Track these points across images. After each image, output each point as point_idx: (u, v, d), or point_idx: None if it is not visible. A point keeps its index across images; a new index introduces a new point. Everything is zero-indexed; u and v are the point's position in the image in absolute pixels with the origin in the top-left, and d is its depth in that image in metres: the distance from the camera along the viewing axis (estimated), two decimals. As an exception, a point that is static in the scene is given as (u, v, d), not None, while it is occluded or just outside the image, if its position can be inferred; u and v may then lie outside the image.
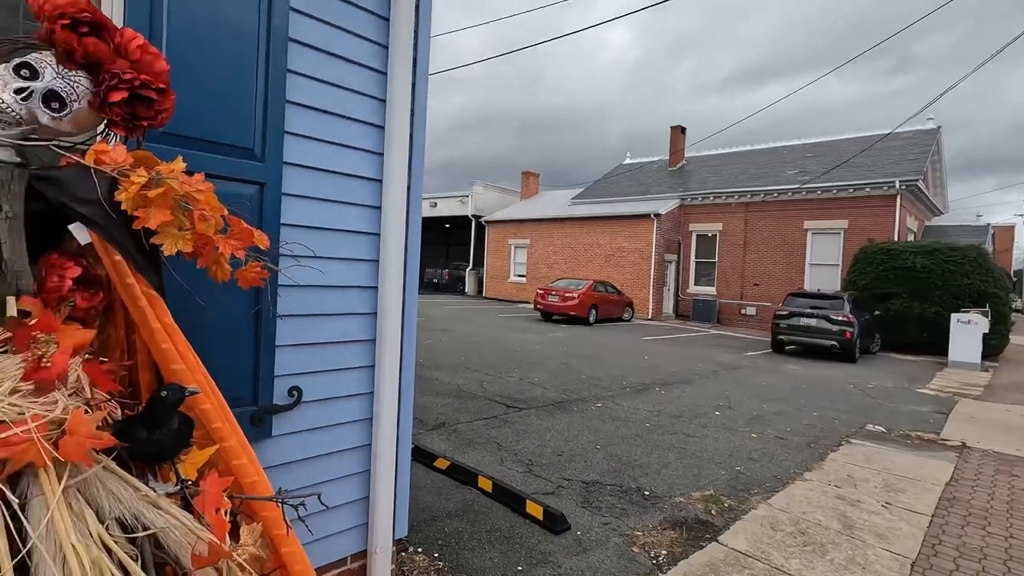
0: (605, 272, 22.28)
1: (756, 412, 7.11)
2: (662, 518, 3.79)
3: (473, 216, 28.89)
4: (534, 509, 3.68)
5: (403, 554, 3.04)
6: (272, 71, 1.97)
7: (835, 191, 18.21)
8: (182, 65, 1.69)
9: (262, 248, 1.47)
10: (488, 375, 8.38)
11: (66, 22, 1.17)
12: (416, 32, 2.41)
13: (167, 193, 1.27)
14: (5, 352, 1.06)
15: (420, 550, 3.15)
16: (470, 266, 30.14)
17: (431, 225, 32.62)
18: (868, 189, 17.57)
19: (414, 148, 2.46)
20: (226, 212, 1.38)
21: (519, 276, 26.59)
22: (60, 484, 1.03)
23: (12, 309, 1.11)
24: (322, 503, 1.53)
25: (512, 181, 32.51)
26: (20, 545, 0.97)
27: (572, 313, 17.47)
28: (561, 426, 5.90)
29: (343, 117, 2.23)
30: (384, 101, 2.35)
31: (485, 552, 3.19)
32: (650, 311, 21.15)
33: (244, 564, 1.25)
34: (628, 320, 19.98)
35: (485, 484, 4.06)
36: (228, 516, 1.28)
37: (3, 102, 1.15)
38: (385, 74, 2.35)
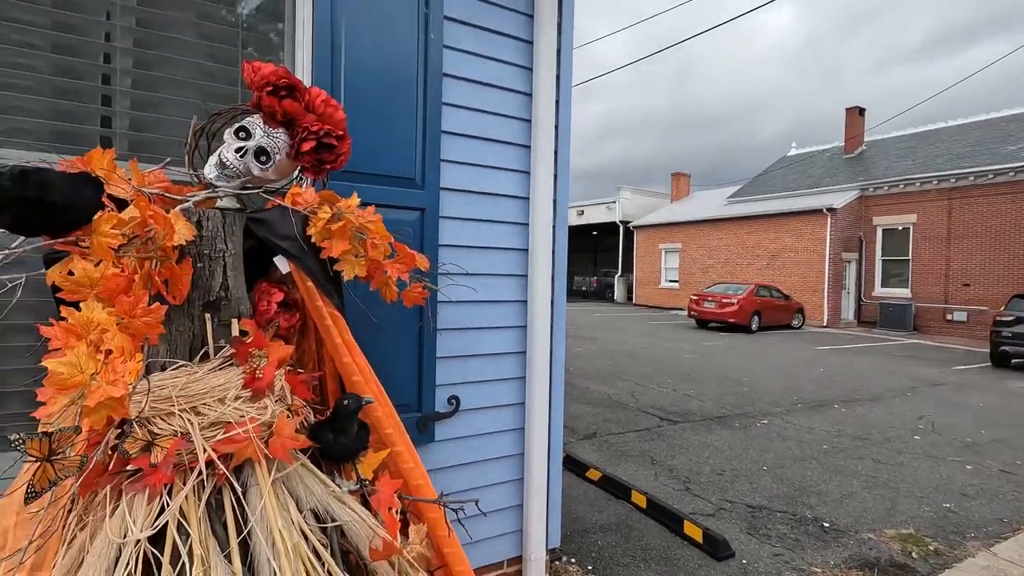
0: (769, 275, 20.38)
1: (970, 439, 5.93)
2: (847, 556, 3.33)
3: (621, 222, 28.42)
4: (692, 531, 3.48)
5: (556, 563, 3.07)
6: (429, 106, 2.15)
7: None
8: (355, 110, 1.93)
9: (423, 269, 1.62)
10: (639, 385, 8.15)
11: (269, 89, 1.40)
12: (559, 51, 2.46)
13: (346, 226, 1.45)
14: (231, 365, 1.30)
15: (573, 561, 3.15)
16: (619, 273, 29.65)
17: (577, 233, 32.78)
18: None
19: (559, 164, 2.50)
20: (392, 239, 1.54)
21: (671, 282, 25.50)
22: (269, 477, 1.23)
23: (235, 329, 1.35)
24: (479, 509, 1.62)
25: (661, 184, 31.44)
26: (242, 525, 1.17)
27: (731, 320, 16.25)
28: (721, 443, 5.51)
29: (491, 140, 2.36)
30: (529, 121, 2.43)
31: (640, 571, 3.09)
32: (825, 317, 18.83)
33: (412, 562, 1.36)
34: (798, 328, 18.01)
35: (639, 499, 3.94)
36: (399, 515, 1.42)
37: (228, 160, 1.41)
38: (530, 95, 2.43)
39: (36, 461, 0.91)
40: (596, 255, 35.53)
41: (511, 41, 2.38)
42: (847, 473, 4.75)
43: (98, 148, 1.18)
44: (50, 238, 1.03)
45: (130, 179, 1.24)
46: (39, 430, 0.95)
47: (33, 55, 1.71)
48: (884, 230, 19.07)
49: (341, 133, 1.50)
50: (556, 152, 2.48)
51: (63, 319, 0.95)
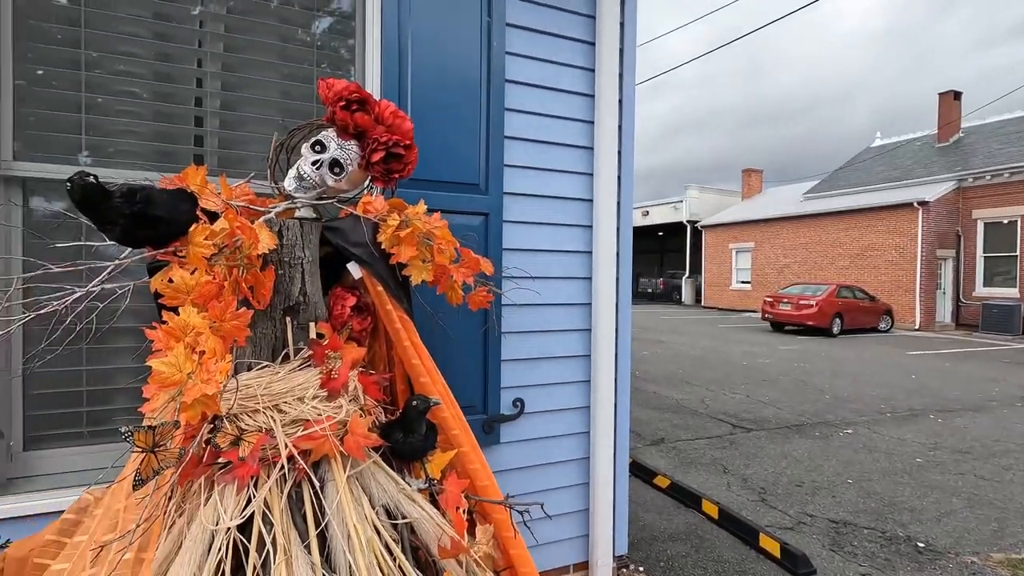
0: (852, 274, 19.08)
1: (1095, 456, 5.28)
2: (945, 580, 3.06)
3: (688, 221, 27.56)
4: (769, 544, 3.31)
5: (624, 571, 3.02)
6: (492, 112, 2.19)
7: None
8: (421, 120, 1.99)
9: (488, 274, 1.64)
10: (710, 391, 7.86)
11: (342, 103, 1.47)
12: (621, 50, 2.43)
13: (413, 232, 1.50)
14: (309, 366, 1.38)
15: (642, 569, 3.08)
16: (686, 274, 28.76)
17: (643, 234, 32.09)
18: None
19: (623, 165, 2.47)
20: (458, 244, 1.58)
21: (742, 283, 24.42)
22: (345, 473, 1.29)
23: (312, 332, 1.43)
24: (544, 512, 1.62)
25: (730, 181, 30.21)
26: (320, 518, 1.24)
27: (809, 323, 15.34)
28: (800, 452, 5.21)
29: (554, 144, 2.36)
30: (592, 123, 2.42)
31: (712, 584, 2.98)
32: (917, 320, 17.38)
33: (480, 561, 1.38)
34: (886, 331, 16.74)
35: (710, 509, 3.80)
36: (466, 515, 1.44)
37: (306, 172, 1.50)
38: (592, 96, 2.41)
39: (142, 452, 1.01)
40: (662, 256, 34.64)
41: (572, 43, 2.38)
42: (945, 490, 4.36)
43: (192, 166, 1.29)
44: (152, 249, 1.13)
45: (220, 193, 1.34)
46: (144, 424, 1.05)
47: (136, 83, 1.88)
48: (986, 224, 17.38)
49: (408, 142, 1.56)
50: (620, 153, 2.45)
51: (164, 323, 1.05)
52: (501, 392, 2.26)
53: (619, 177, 2.45)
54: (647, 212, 29.77)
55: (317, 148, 1.51)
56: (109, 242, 1.18)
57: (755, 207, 25.66)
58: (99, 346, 1.80)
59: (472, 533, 1.48)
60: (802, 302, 15.56)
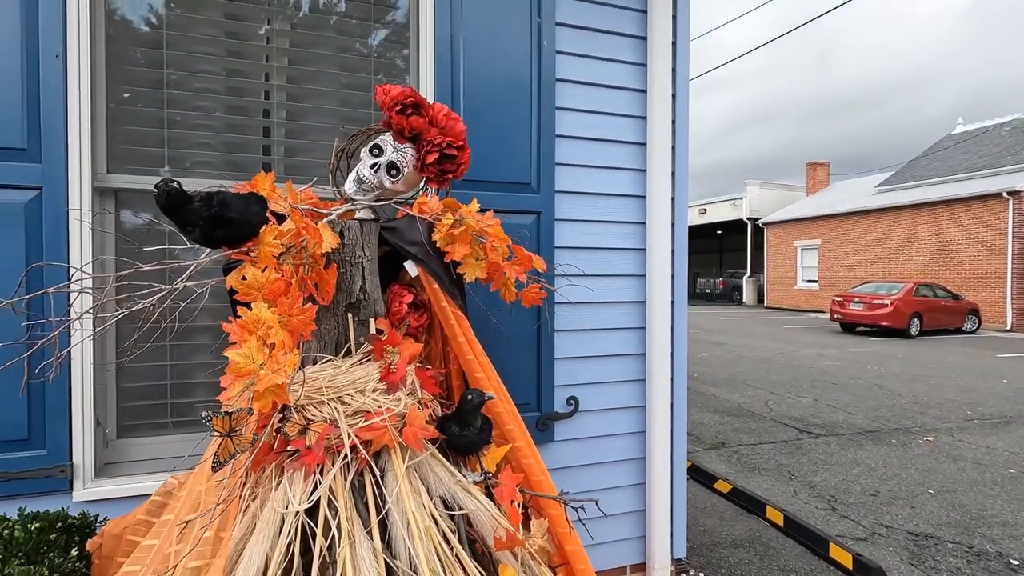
0: (932, 271, 17.80)
1: None
2: (1043, 601, 2.80)
3: (748, 219, 26.53)
4: (840, 555, 3.14)
5: (683, 575, 2.95)
6: (543, 111, 2.21)
7: None
8: (473, 121, 2.04)
9: (540, 271, 1.66)
10: (774, 394, 7.53)
11: (398, 108, 1.53)
12: (674, 43, 2.39)
13: (467, 230, 1.54)
14: (369, 360, 1.44)
15: (702, 575, 3.00)
16: (747, 273, 27.68)
17: (701, 233, 31.18)
18: None
19: (677, 160, 2.42)
20: (511, 242, 1.60)
21: (808, 282, 23.26)
22: (404, 463, 1.34)
23: (372, 328, 1.49)
24: (600, 509, 1.61)
25: (794, 176, 28.86)
26: (381, 506, 1.29)
27: (884, 324, 14.41)
28: (874, 460, 4.91)
29: (605, 141, 2.35)
30: (644, 118, 2.39)
31: (777, 593, 2.86)
32: (1008, 320, 15.97)
33: (534, 554, 1.40)
34: (972, 331, 15.50)
35: (775, 516, 3.65)
36: (520, 509, 1.46)
37: (364, 175, 1.57)
38: (644, 92, 2.38)
39: (219, 436, 1.09)
40: (721, 255, 33.54)
41: (623, 39, 2.36)
42: (1043, 503, 3.99)
43: (261, 173, 1.38)
44: (228, 249, 1.22)
45: (286, 197, 1.42)
46: (222, 410, 1.13)
47: (210, 98, 2.03)
48: (1090, 214, 15.78)
49: (461, 143, 1.60)
50: (674, 148, 2.40)
51: (239, 318, 1.12)
52: (555, 390, 2.26)
53: (673, 172, 2.40)
54: (704, 210, 28.89)
55: (375, 152, 1.57)
56: (190, 246, 1.28)
57: (822, 202, 24.40)
58: (181, 343, 1.94)
59: (527, 527, 1.50)
60: (875, 301, 14.65)
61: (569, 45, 2.27)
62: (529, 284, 1.65)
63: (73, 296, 1.64)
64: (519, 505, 1.45)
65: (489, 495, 1.47)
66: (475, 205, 1.58)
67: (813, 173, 27.55)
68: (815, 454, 5.07)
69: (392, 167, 1.56)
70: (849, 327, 15.63)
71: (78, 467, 1.73)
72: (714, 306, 26.26)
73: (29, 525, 1.29)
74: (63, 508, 1.49)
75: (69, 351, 1.66)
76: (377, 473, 1.32)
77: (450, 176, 1.61)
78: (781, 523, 3.57)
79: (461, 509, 1.38)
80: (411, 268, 1.58)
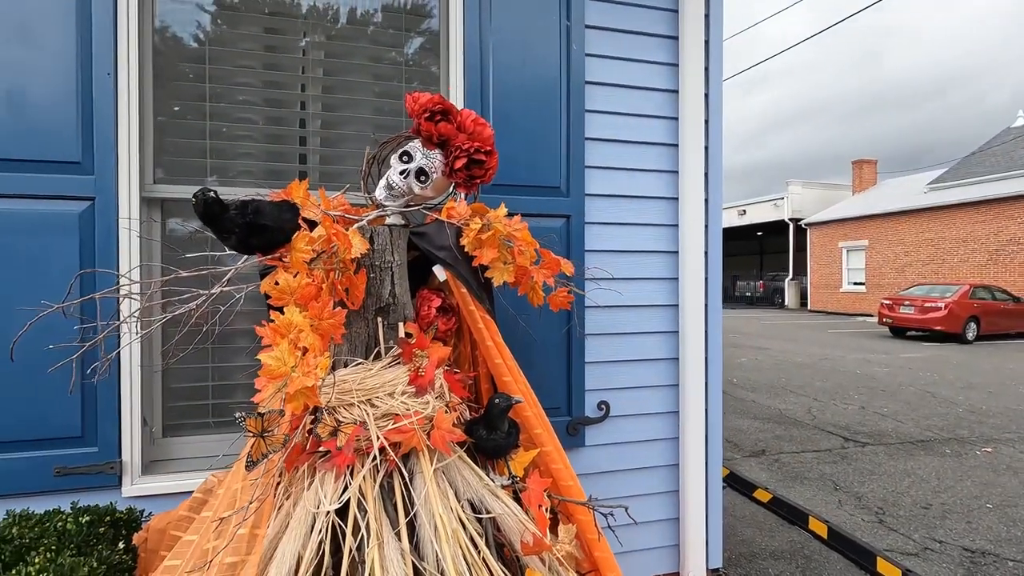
0: (990, 273, 16.85)
1: None
2: (1116, 627, 2.60)
3: (790, 220, 25.72)
4: (889, 570, 3.00)
5: (720, 587, 2.87)
6: (572, 115, 2.20)
7: None
8: (502, 126, 2.05)
9: (568, 275, 1.65)
10: (818, 400, 7.27)
11: (427, 115, 1.55)
12: (707, 42, 2.34)
13: (494, 235, 1.54)
14: (398, 363, 1.46)
15: (739, 587, 2.92)
16: (789, 276, 26.82)
17: (740, 234, 30.41)
18: None
19: (710, 161, 2.37)
20: (538, 246, 1.60)
21: (855, 284, 22.37)
22: (431, 465, 1.35)
23: (401, 331, 1.51)
24: (629, 516, 1.58)
25: (839, 174, 27.85)
26: (409, 508, 1.30)
27: (937, 328, 13.71)
28: (926, 471, 4.67)
29: (636, 143, 2.32)
30: (676, 119, 2.35)
31: (820, 608, 2.75)
32: (1077, 324, 14.99)
33: (562, 560, 1.39)
34: (1035, 336, 14.61)
35: (818, 527, 3.51)
36: (548, 514, 1.45)
37: (394, 182, 1.59)
38: (676, 92, 2.35)
39: (253, 436, 1.12)
40: (762, 257, 32.63)
41: (654, 39, 2.33)
42: (1116, 521, 3.71)
43: (296, 180, 1.42)
44: (262, 255, 1.26)
45: (319, 204, 1.46)
46: (255, 411, 1.17)
47: (250, 110, 2.10)
48: None
49: (489, 148, 1.61)
50: (707, 148, 2.36)
51: (272, 322, 1.16)
52: (586, 394, 2.24)
53: (706, 173, 2.36)
54: (744, 211, 28.17)
55: (404, 158, 1.60)
56: (228, 252, 1.33)
57: (869, 201, 23.45)
58: (222, 346, 2.02)
59: (555, 532, 1.49)
60: (928, 304, 13.97)
61: (598, 47, 2.25)
62: (557, 288, 1.64)
63: (121, 300, 1.73)
64: (547, 510, 1.44)
65: (517, 499, 1.47)
66: (503, 209, 1.59)
67: (859, 171, 26.52)
68: (862, 463, 4.86)
69: (421, 173, 1.58)
70: (899, 331, 14.95)
71: (126, 464, 1.81)
72: (755, 310, 25.55)
73: (80, 518, 1.36)
74: (112, 503, 1.57)
75: (118, 353, 1.75)
76: (406, 475, 1.34)
77: (478, 181, 1.62)
78: (825, 535, 3.44)
79: (488, 513, 1.38)
80: (439, 272, 1.60)
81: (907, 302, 14.53)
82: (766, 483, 4.28)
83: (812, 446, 5.37)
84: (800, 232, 25.45)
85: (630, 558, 2.24)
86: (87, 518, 1.37)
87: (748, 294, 28.82)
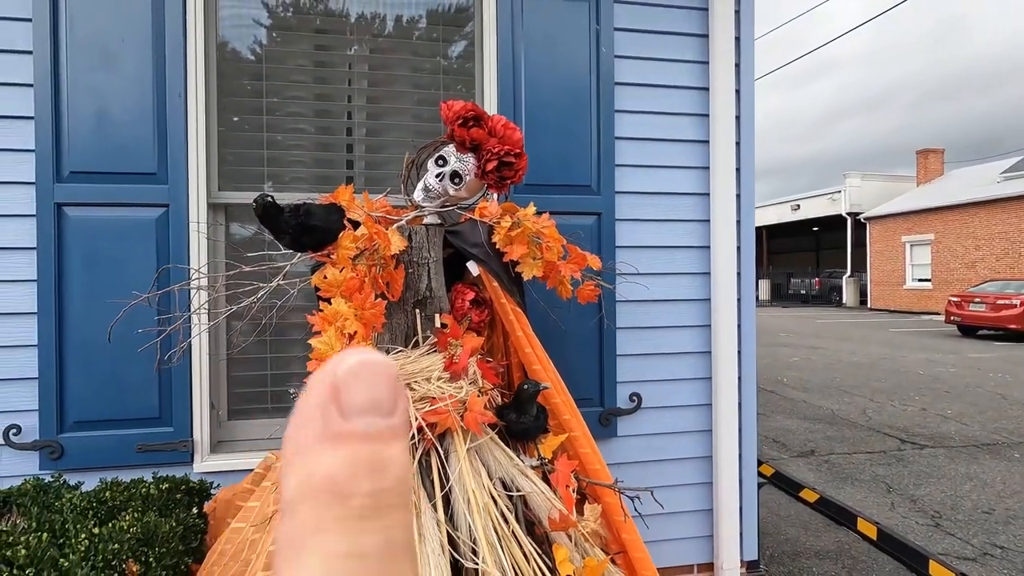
0: (1074, 267, 15.61)
1: None
2: None
3: (848, 214, 24.55)
4: (942, 574, 2.91)
5: (759, 582, 2.86)
6: (602, 115, 2.27)
7: None
8: (533, 128, 2.14)
9: (595, 269, 1.73)
10: (874, 401, 6.98)
11: (460, 121, 1.67)
12: (738, 38, 2.36)
13: (524, 232, 1.64)
14: (434, 352, 1.58)
15: (780, 583, 2.90)
16: (847, 273, 25.61)
17: (793, 230, 29.31)
18: None
19: (742, 156, 2.39)
20: (565, 242, 1.69)
21: (919, 281, 21.15)
22: (465, 445, 1.46)
23: (438, 322, 1.64)
24: (656, 501, 1.65)
25: (902, 165, 26.37)
26: (445, 483, 1.42)
27: (1012, 326, 12.83)
28: (990, 475, 4.45)
29: (666, 140, 2.37)
30: (706, 116, 2.38)
31: (865, 607, 2.70)
32: None
33: (587, 536, 1.47)
34: None
35: (867, 528, 3.43)
36: (575, 494, 1.54)
37: (431, 184, 1.72)
38: (706, 89, 2.38)
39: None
40: (818, 254, 31.32)
41: (683, 38, 2.37)
42: None
43: (343, 185, 1.57)
44: (313, 252, 1.41)
45: (363, 206, 1.60)
46: (308, 392, 1.31)
47: (302, 120, 2.28)
48: None
49: (519, 151, 1.71)
50: (738, 144, 2.38)
51: (321, 311, 1.30)
52: (617, 386, 2.31)
53: (738, 169, 2.37)
54: (797, 206, 27.12)
55: (439, 162, 1.72)
56: (284, 250, 1.48)
57: (934, 192, 22.11)
58: (280, 338, 2.20)
59: (582, 512, 1.57)
60: (1001, 301, 13.08)
61: (628, 49, 2.32)
62: (584, 282, 1.72)
63: (192, 294, 1.93)
64: (574, 491, 1.53)
65: (546, 480, 1.56)
66: (532, 208, 1.69)
67: (924, 161, 25.02)
68: (919, 466, 4.67)
69: (455, 175, 1.70)
70: (969, 330, 14.06)
71: (197, 443, 2.02)
72: (810, 308, 24.54)
73: (160, 486, 1.55)
74: (185, 474, 1.77)
75: (190, 342, 1.95)
76: (441, 453, 1.46)
77: (509, 182, 1.72)
78: (874, 536, 3.35)
79: (518, 491, 1.48)
80: (473, 268, 1.71)
81: (978, 299, 13.66)
82: (814, 484, 4.19)
83: (865, 447, 5.19)
84: (859, 227, 24.26)
85: (664, 547, 2.29)
86: (166, 486, 1.55)
87: (803, 292, 27.71)
